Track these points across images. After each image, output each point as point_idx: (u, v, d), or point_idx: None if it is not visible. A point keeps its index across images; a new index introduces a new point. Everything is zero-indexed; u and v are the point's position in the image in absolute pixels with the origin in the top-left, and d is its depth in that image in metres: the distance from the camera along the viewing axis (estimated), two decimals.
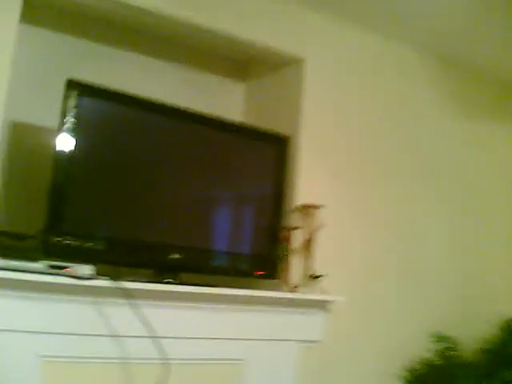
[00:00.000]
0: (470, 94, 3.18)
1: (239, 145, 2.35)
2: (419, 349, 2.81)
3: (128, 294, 1.83)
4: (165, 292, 1.98)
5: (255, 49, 2.52)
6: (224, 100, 2.81)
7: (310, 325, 2.40)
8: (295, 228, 2.38)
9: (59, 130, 1.91)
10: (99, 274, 1.85)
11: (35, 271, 1.75)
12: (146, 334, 1.90)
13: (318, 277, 2.37)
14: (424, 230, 2.93)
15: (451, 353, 2.85)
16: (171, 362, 1.94)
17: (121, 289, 1.82)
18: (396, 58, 2.90)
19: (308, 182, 2.50)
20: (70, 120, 1.91)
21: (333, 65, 2.67)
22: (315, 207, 2.40)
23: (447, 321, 2.91)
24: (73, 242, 1.88)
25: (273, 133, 2.41)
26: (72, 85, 1.93)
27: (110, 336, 1.90)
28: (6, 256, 1.73)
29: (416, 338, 2.82)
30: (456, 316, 2.96)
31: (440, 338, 2.86)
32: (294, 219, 2.44)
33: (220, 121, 2.31)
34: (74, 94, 1.93)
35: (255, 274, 2.29)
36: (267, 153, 2.40)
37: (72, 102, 1.93)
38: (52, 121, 2.06)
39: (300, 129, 2.52)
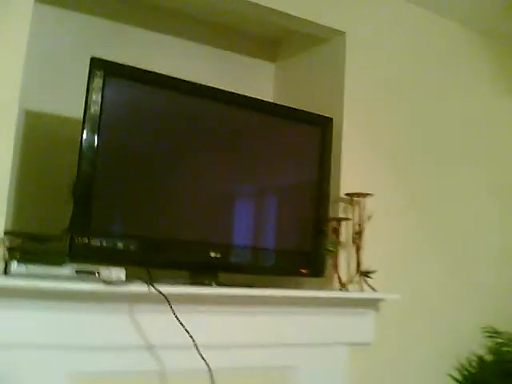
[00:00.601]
0: None
1: (278, 128, 2.12)
2: (472, 346, 2.60)
3: (166, 300, 1.61)
4: (209, 296, 1.76)
5: (291, 22, 2.28)
6: (253, 81, 2.61)
7: (360, 326, 2.18)
8: (344, 219, 2.15)
9: (84, 114, 1.68)
10: (131, 278, 1.64)
11: (61, 277, 1.54)
12: (186, 343, 1.67)
13: (368, 273, 2.14)
14: (476, 222, 2.70)
15: (505, 349, 2.64)
16: (215, 372, 1.73)
17: (161, 294, 1.59)
18: (440, 32, 2.65)
19: (353, 169, 2.27)
20: (95, 103, 1.68)
21: (375, 38, 2.42)
22: (363, 195, 2.17)
23: (500, 317, 2.69)
24: (102, 243, 1.66)
25: (314, 114, 2.17)
26: (97, 64, 1.70)
27: (147, 347, 1.69)
28: (26, 261, 1.52)
29: (469, 335, 2.61)
30: (510, 312, 2.73)
31: (493, 334, 2.65)
32: (339, 210, 2.21)
33: (258, 102, 2.08)
34: (100, 74, 1.70)
35: (300, 271, 2.07)
36: (308, 137, 2.17)
37: (97, 84, 1.70)
38: (72, 109, 1.85)
39: (343, 109, 2.28)
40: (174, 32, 2.39)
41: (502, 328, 2.65)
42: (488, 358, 2.64)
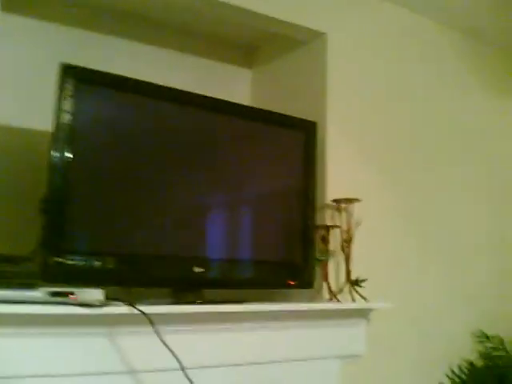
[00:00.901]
0: (498, 69, 2.89)
1: (260, 134, 2.02)
2: (463, 352, 2.54)
3: (149, 321, 1.50)
4: (195, 314, 1.65)
5: (269, 24, 2.19)
6: (230, 88, 2.51)
7: (351, 337, 2.09)
8: (333, 227, 2.06)
9: (54, 124, 1.56)
10: (110, 298, 1.52)
11: (33, 301, 1.42)
12: (172, 366, 1.56)
13: (359, 282, 2.06)
14: (466, 227, 2.64)
15: (497, 353, 2.59)
16: None
17: (144, 314, 1.48)
18: (421, 32, 2.59)
19: (340, 174, 2.18)
20: (66, 113, 1.56)
21: (356, 39, 2.35)
22: (351, 201, 2.09)
23: (490, 321, 2.63)
24: (77, 262, 1.54)
25: (297, 118, 2.08)
26: (68, 71, 1.58)
27: (129, 372, 1.57)
28: None
29: (460, 341, 2.55)
30: (498, 315, 2.68)
31: (483, 338, 2.60)
32: (326, 217, 2.12)
33: (239, 107, 2.00)
34: (71, 81, 1.58)
35: (288, 283, 1.97)
36: (291, 142, 2.08)
37: (68, 92, 1.58)
38: (43, 122, 1.74)
39: (326, 113, 2.20)
40: (148, 40, 2.30)
41: (491, 332, 2.60)
42: (479, 363, 2.58)
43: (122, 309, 1.49)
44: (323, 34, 2.25)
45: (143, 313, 1.47)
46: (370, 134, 2.34)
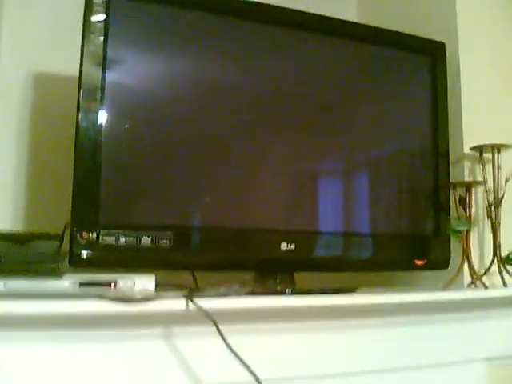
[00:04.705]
0: None
1: (373, 60, 1.50)
2: None
3: (212, 320, 1.05)
4: (287, 308, 1.19)
5: None
6: (333, 10, 1.98)
7: (501, 333, 1.53)
8: (476, 183, 1.50)
9: (81, 54, 1.15)
10: (164, 287, 1.09)
11: (56, 294, 1.02)
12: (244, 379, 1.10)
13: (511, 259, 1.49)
14: None
15: None
16: None
17: (203, 311, 1.04)
18: None
19: (478, 113, 1.61)
20: (96, 41, 1.14)
21: None
22: (498, 148, 1.51)
23: None
24: (118, 239, 1.12)
25: (419, 38, 1.54)
26: None
27: None
28: (6, 273, 1.01)
29: None
30: None
31: None
32: (464, 172, 1.57)
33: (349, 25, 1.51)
34: None
35: (414, 264, 1.45)
36: (413, 70, 1.55)
37: (99, 8, 1.16)
38: None
39: (457, 33, 1.62)
40: None
41: None
42: None
43: (172, 303, 1.05)
44: None
45: (201, 307, 1.03)
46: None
